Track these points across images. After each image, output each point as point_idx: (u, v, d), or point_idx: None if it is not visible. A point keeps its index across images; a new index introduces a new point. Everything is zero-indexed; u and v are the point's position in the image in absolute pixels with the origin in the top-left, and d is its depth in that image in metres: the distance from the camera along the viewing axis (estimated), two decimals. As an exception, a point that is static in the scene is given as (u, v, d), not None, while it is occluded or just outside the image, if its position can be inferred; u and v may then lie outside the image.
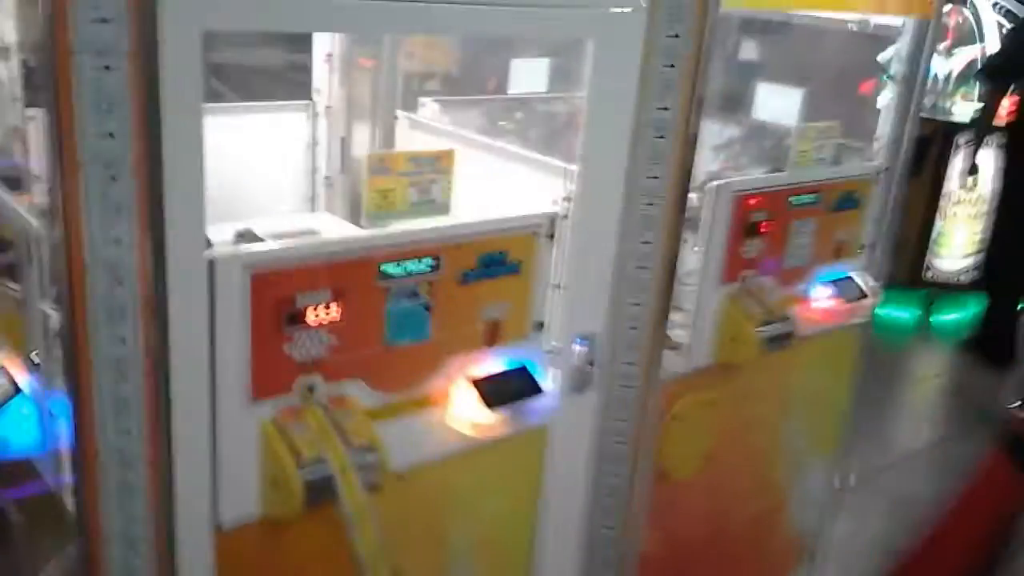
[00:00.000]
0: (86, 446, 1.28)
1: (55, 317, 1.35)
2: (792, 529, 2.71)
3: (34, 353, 1.40)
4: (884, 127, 2.56)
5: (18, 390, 1.47)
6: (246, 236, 1.63)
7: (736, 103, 2.82)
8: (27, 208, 1.42)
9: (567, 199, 1.80)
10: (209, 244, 1.47)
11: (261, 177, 2.27)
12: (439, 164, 1.52)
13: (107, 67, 1.16)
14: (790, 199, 2.28)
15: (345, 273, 1.44)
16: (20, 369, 1.50)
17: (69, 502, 1.38)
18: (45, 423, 1.40)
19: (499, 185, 1.98)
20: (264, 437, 1.41)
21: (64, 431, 1.31)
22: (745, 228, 2.19)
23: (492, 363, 1.68)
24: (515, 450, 1.79)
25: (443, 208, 1.55)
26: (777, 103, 2.68)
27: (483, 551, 1.84)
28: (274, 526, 1.46)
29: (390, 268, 1.47)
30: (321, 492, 1.40)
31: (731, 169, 2.69)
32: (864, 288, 2.49)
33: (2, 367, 1.51)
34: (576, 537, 2.02)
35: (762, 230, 2.23)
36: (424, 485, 1.67)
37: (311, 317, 1.41)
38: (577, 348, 1.83)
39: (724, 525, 2.46)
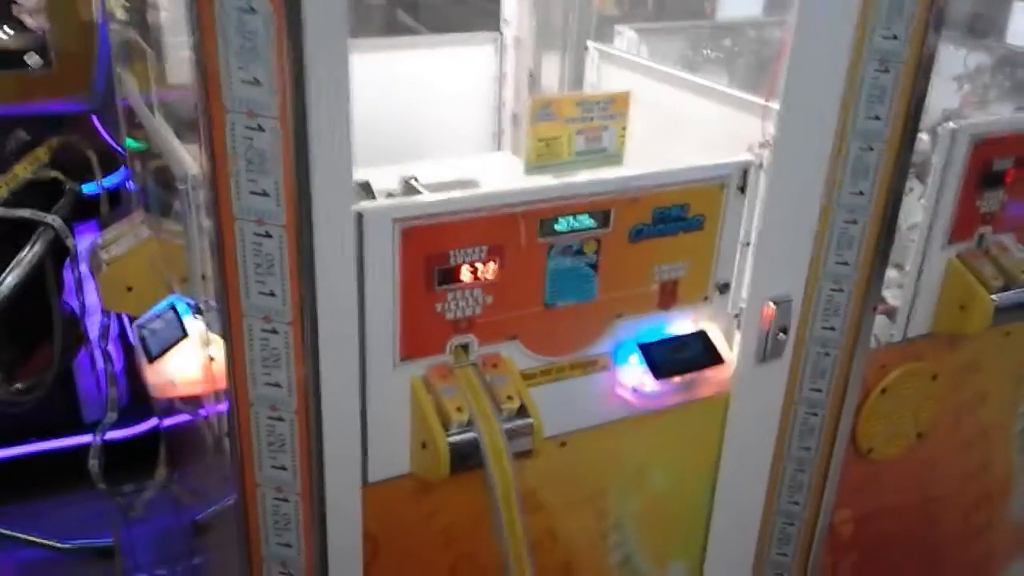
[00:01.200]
0: (238, 394, 1.29)
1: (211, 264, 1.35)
2: (1015, 516, 2.38)
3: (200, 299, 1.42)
4: None
5: (186, 333, 1.51)
6: (408, 185, 1.57)
7: (986, 25, 2.41)
8: (190, 152, 1.42)
9: (764, 145, 1.59)
10: (372, 192, 1.42)
11: (446, 113, 2.21)
12: (612, 108, 1.37)
13: (252, 8, 1.11)
14: (1047, 142, 1.92)
15: (503, 228, 1.34)
16: (186, 309, 1.53)
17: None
18: (207, 366, 1.42)
19: (690, 128, 1.80)
20: (413, 395, 1.36)
21: (222, 375, 1.32)
22: (985, 177, 1.86)
23: (666, 328, 1.53)
24: (689, 419, 1.64)
25: (615, 158, 1.40)
26: (1038, 27, 2.26)
27: (653, 523, 1.73)
28: (424, 485, 1.42)
29: (553, 224, 1.35)
30: (468, 456, 1.33)
31: (975, 104, 2.32)
32: None
33: (174, 309, 1.55)
34: (756, 511, 1.85)
35: (1007, 180, 1.90)
36: (588, 453, 1.57)
37: (465, 274, 1.33)
38: (767, 311, 1.64)
39: (932, 511, 2.20)
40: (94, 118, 2.44)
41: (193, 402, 1.58)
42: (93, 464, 2.14)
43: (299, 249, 1.21)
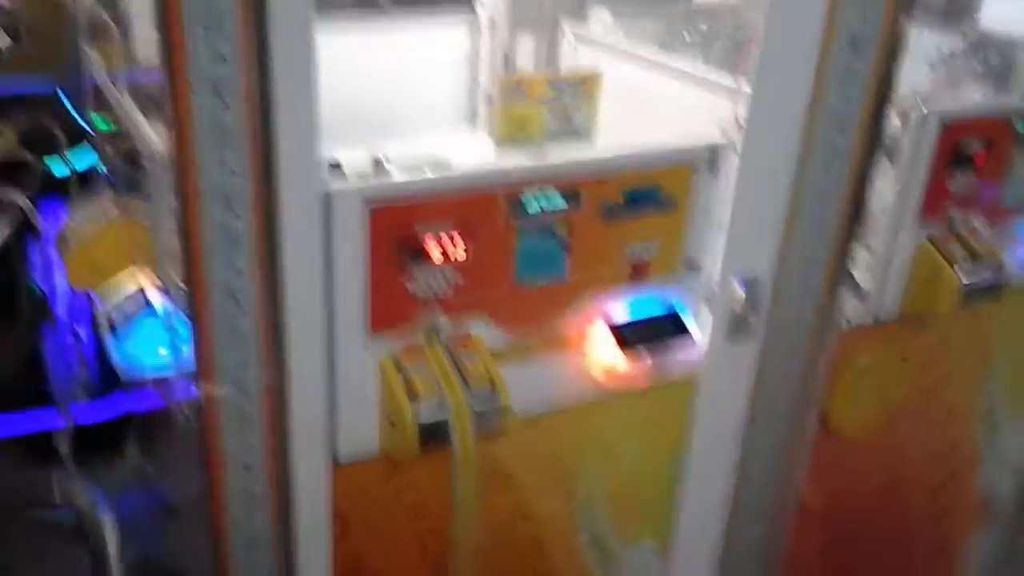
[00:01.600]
0: (206, 372, 1.28)
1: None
2: (978, 492, 2.41)
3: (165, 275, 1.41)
4: None
5: (152, 310, 1.50)
6: (378, 164, 1.56)
7: (961, 9, 2.42)
8: (156, 131, 1.40)
9: (736, 127, 1.60)
10: (342, 171, 1.41)
11: (419, 93, 2.20)
12: (583, 88, 1.36)
13: (216, -15, 1.10)
14: (1018, 125, 1.94)
15: (473, 208, 1.34)
16: (154, 289, 1.52)
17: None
18: (174, 344, 1.41)
19: (663, 109, 1.80)
20: (382, 374, 1.36)
21: (188, 354, 1.31)
22: (955, 159, 1.88)
23: (635, 306, 1.54)
24: (658, 399, 1.65)
25: (585, 136, 1.40)
26: (1009, 10, 2.27)
27: (622, 501, 1.74)
28: (393, 463, 1.42)
29: (523, 203, 1.35)
30: (436, 434, 1.34)
31: (947, 88, 2.33)
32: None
33: (140, 286, 1.54)
34: (725, 490, 1.87)
35: (977, 162, 1.91)
36: (556, 432, 1.58)
37: (435, 254, 1.33)
38: (736, 292, 1.65)
39: (900, 490, 2.22)
40: (63, 97, 2.41)
41: (162, 382, 1.57)
42: (62, 445, 2.12)
43: (266, 227, 1.20)
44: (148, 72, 1.47)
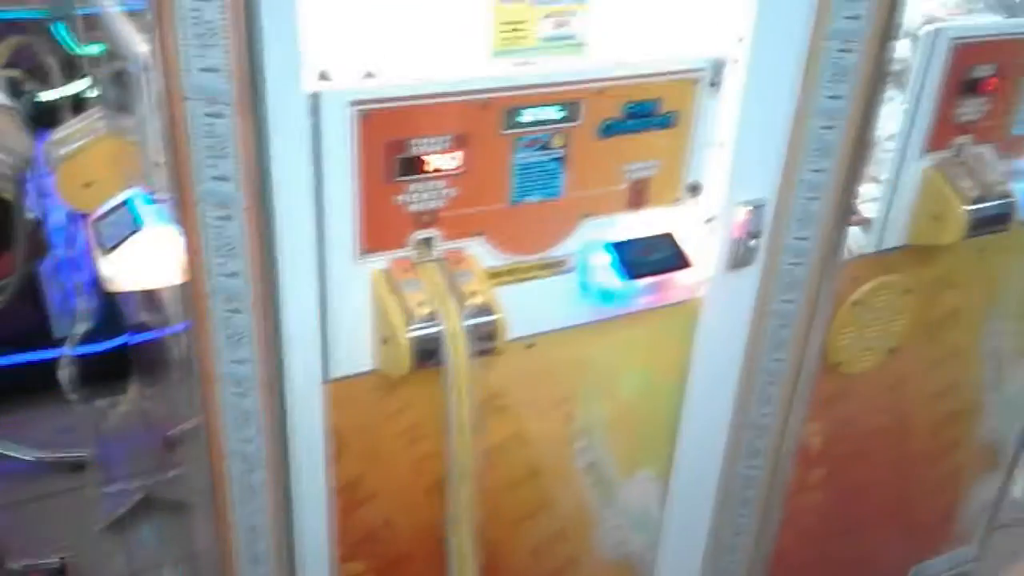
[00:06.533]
0: (195, 285, 1.26)
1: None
2: (983, 435, 2.40)
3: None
4: None
5: (141, 224, 1.47)
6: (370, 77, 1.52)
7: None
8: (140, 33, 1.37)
9: (740, 39, 1.55)
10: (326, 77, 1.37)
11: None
12: (580, -5, 1.32)
13: None
14: (1030, 50, 1.88)
15: (467, 118, 1.30)
16: (143, 204, 1.50)
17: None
18: (163, 259, 1.39)
19: (667, 17, 1.75)
20: (375, 290, 1.33)
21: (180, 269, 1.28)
22: (965, 84, 1.83)
23: (635, 228, 1.51)
24: (658, 325, 1.63)
25: (583, 46, 1.36)
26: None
27: (620, 429, 1.72)
28: (389, 382, 1.40)
29: (518, 113, 1.31)
30: (431, 352, 1.31)
31: (958, 14, 2.27)
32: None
33: (130, 202, 1.51)
34: (724, 422, 1.85)
35: (986, 88, 1.86)
36: (554, 356, 1.55)
37: (428, 165, 1.29)
38: (739, 217, 1.61)
39: (901, 426, 2.20)
40: (54, 26, 2.36)
41: (156, 308, 1.55)
42: (63, 374, 2.11)
43: (253, 131, 1.17)
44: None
